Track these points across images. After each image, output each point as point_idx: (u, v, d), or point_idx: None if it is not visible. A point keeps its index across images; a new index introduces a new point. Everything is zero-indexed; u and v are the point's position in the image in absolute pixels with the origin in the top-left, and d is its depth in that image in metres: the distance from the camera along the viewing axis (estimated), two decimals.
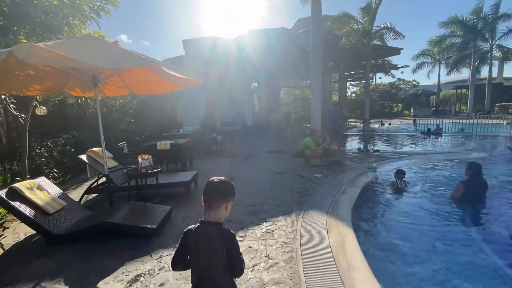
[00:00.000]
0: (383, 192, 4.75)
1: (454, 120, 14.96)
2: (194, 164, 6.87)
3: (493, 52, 23.38)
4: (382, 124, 17.98)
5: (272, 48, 13.06)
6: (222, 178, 1.34)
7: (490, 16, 21.85)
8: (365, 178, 5.28)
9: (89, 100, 5.69)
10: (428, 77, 48.64)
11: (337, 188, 4.59)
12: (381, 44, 15.70)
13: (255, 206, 3.84)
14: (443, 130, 13.07)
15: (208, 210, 1.28)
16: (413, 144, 10.53)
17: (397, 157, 7.20)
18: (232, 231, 1.30)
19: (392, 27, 14.78)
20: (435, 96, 32.30)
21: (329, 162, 6.74)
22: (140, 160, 3.77)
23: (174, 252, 1.36)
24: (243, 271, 1.31)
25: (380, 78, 37.94)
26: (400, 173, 5.01)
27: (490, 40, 22.66)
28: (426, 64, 30.87)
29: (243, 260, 1.31)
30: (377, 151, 8.13)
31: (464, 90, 32.09)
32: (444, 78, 32.15)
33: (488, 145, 9.18)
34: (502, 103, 26.07)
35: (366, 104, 14.97)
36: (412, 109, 29.75)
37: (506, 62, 27.05)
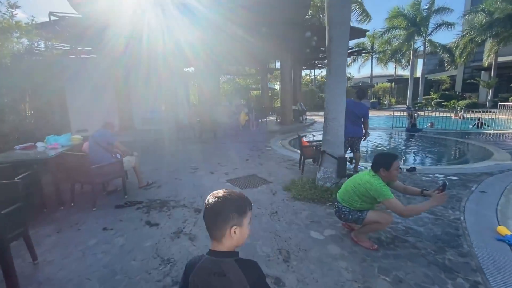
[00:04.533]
0: None
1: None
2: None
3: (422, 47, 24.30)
4: None
5: (211, 18, 8.69)
6: (220, 193, 0.94)
7: (426, 10, 22.23)
8: None
9: None
10: (359, 72, 51.65)
11: None
12: None
13: None
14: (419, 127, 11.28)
15: (212, 239, 0.94)
16: (422, 149, 7.99)
17: (473, 183, 4.11)
18: (253, 260, 0.97)
19: (360, 1, 12.22)
20: (368, 89, 33.27)
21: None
22: None
23: None
24: None
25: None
26: None
27: (424, 35, 23.27)
28: (359, 58, 31.12)
29: None
30: (413, 170, 4.97)
31: (392, 84, 34.15)
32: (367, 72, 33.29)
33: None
34: (426, 96, 28.17)
35: None
36: None
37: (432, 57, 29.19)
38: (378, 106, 29.30)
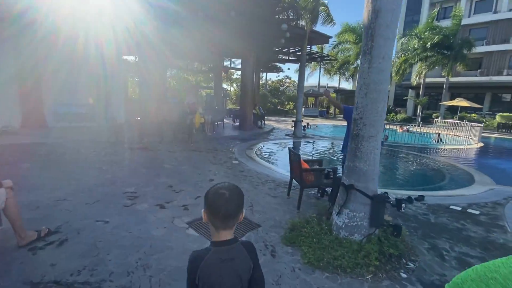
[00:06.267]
0: None
1: None
2: None
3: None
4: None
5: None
6: (228, 185, 0.95)
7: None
8: None
9: None
10: (307, 80, 54.22)
11: None
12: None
13: None
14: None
15: (222, 231, 0.94)
16: (398, 167, 7.48)
17: (498, 220, 3.36)
18: (249, 240, 1.05)
19: (327, 3, 11.71)
20: (313, 98, 34.55)
21: None
22: None
23: None
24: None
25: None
26: None
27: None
28: (309, 66, 32.12)
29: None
30: (422, 198, 4.09)
31: (336, 94, 36.30)
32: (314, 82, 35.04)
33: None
34: None
35: (299, 101, 11.24)
36: (303, 109, 30.18)
37: None
38: (325, 115, 30.70)
